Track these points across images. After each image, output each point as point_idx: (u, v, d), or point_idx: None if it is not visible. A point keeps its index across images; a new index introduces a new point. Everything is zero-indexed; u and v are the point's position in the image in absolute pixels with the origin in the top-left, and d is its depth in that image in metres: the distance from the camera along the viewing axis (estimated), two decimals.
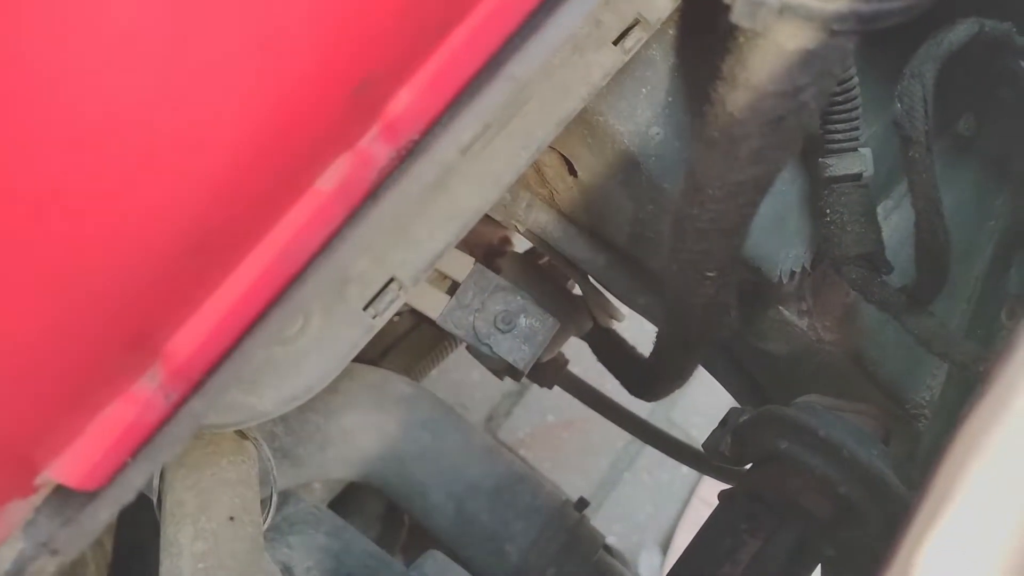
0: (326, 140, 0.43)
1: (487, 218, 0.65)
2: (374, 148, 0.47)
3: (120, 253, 0.36)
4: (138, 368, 0.43)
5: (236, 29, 0.33)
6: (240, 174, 0.37)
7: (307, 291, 0.43)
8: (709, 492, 1.83)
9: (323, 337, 0.56)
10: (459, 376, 1.83)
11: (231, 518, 0.55)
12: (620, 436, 1.91)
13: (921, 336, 0.62)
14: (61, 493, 0.44)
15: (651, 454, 1.87)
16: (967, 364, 0.59)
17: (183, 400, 0.45)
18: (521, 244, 1.08)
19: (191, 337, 0.43)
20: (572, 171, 0.82)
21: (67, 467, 0.41)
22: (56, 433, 0.41)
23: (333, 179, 0.45)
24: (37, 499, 0.43)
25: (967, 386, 0.68)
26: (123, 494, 0.40)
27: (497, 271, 0.88)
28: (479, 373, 1.87)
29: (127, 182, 0.33)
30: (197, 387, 0.45)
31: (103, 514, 0.39)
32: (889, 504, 0.64)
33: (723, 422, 0.78)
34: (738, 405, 0.89)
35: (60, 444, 0.41)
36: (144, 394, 0.43)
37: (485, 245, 1.12)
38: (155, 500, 0.59)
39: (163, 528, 0.55)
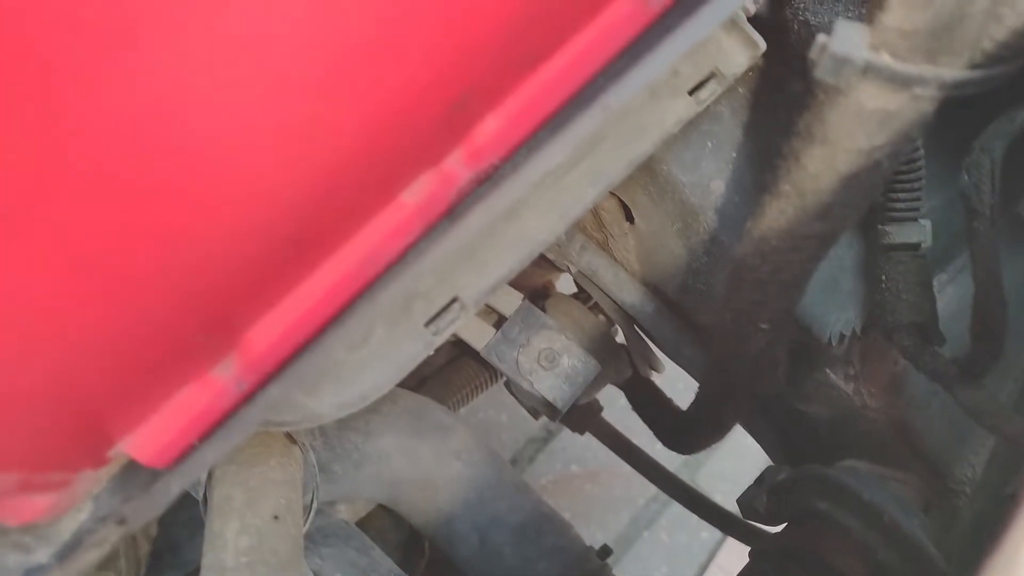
0: (418, 154, 0.44)
1: (537, 259, 0.66)
2: (457, 169, 0.48)
3: (222, 239, 0.38)
4: (216, 355, 0.44)
5: (365, 36, 0.35)
6: (341, 174, 0.39)
7: (384, 300, 0.44)
8: (728, 559, 1.80)
9: (385, 348, 0.57)
10: (486, 416, 1.83)
11: (275, 517, 0.56)
12: (642, 493, 1.89)
13: (973, 408, 0.62)
14: (127, 469, 0.45)
15: (672, 514, 1.85)
16: (1018, 439, 0.59)
17: (252, 392, 0.46)
18: (566, 287, 1.09)
19: (269, 330, 0.44)
20: (629, 217, 0.83)
21: (140, 442, 0.42)
22: (133, 407, 0.42)
23: (418, 193, 0.46)
24: (106, 472, 0.45)
25: (1011, 465, 0.68)
26: (194, 470, 0.41)
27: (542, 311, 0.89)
28: (507, 415, 1.87)
29: (241, 174, 0.35)
30: (266, 380, 0.46)
31: (174, 488, 0.40)
32: (926, 575, 0.63)
33: (759, 480, 0.77)
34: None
35: (135, 419, 0.43)
36: (219, 381, 0.44)
37: (529, 288, 1.13)
38: (200, 494, 0.60)
39: (209, 521, 0.56)
